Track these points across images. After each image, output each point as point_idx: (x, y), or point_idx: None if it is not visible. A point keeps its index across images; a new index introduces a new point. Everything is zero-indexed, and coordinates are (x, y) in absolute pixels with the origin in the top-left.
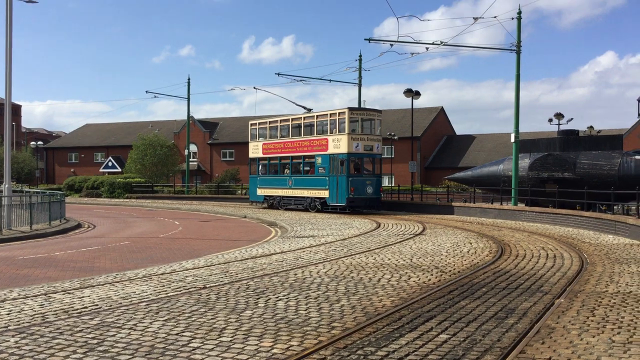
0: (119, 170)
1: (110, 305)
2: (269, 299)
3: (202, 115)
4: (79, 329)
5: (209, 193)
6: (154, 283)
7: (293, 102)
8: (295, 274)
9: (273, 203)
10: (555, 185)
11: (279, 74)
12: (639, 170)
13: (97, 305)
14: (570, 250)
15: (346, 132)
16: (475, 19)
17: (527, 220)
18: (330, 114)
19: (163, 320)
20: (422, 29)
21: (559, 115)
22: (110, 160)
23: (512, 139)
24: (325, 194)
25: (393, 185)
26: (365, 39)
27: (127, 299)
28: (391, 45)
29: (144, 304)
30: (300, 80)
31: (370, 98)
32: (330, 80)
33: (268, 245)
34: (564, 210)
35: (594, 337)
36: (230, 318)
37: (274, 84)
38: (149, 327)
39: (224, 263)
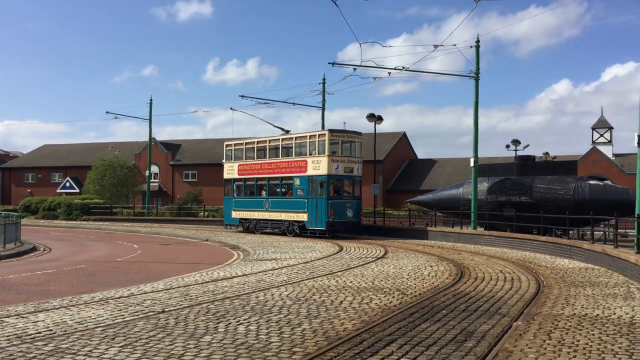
0: (77, 190)
1: (65, 331)
2: (230, 323)
3: (164, 136)
4: (32, 355)
5: (170, 215)
6: (111, 307)
7: (270, 124)
8: (257, 297)
9: (249, 226)
10: (512, 209)
11: (242, 96)
12: (593, 195)
13: (51, 330)
14: (527, 273)
15: (326, 153)
16: (436, 46)
17: (486, 244)
18: (310, 136)
19: (119, 347)
20: (385, 54)
21: (516, 142)
22: (68, 181)
23: (472, 164)
24: (304, 217)
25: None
26: (329, 63)
27: (83, 324)
28: (354, 69)
29: (100, 329)
30: (265, 103)
31: (334, 122)
32: (294, 104)
33: (230, 268)
34: (521, 234)
35: None
36: (189, 344)
37: (238, 106)
38: (104, 354)
39: (184, 286)
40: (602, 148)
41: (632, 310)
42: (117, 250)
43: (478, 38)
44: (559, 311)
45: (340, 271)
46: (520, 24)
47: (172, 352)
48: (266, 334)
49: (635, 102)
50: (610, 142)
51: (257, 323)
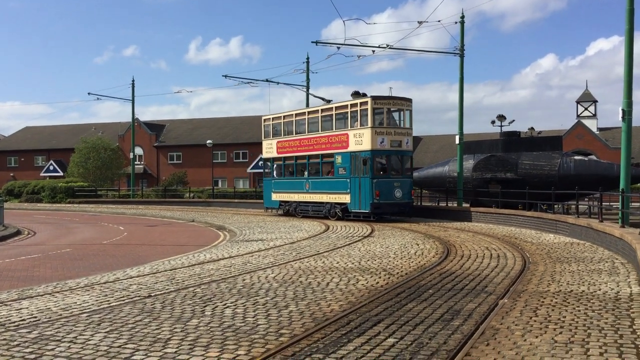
0: (61, 174)
1: (50, 317)
2: (216, 307)
3: (148, 117)
4: (15, 343)
5: (156, 197)
6: (96, 293)
7: (312, 94)
8: (244, 280)
9: (289, 209)
10: (498, 186)
11: (226, 76)
12: (578, 170)
13: (35, 317)
14: (513, 249)
15: (369, 125)
16: (420, 22)
17: (472, 221)
18: (351, 105)
19: (105, 332)
20: (369, 31)
21: (501, 117)
22: (51, 164)
23: (457, 141)
24: (346, 198)
25: None
26: (312, 42)
27: (68, 310)
28: (338, 48)
29: (85, 315)
30: (248, 83)
31: (319, 100)
32: (278, 83)
33: (216, 250)
34: (507, 210)
35: (537, 337)
36: (175, 328)
37: (221, 86)
38: (90, 340)
39: (170, 270)
40: (586, 122)
41: (617, 286)
42: (103, 233)
43: (463, 14)
44: (544, 288)
45: (326, 251)
46: None
47: (159, 336)
48: (253, 317)
49: (619, 76)
50: (594, 115)
51: (244, 306)
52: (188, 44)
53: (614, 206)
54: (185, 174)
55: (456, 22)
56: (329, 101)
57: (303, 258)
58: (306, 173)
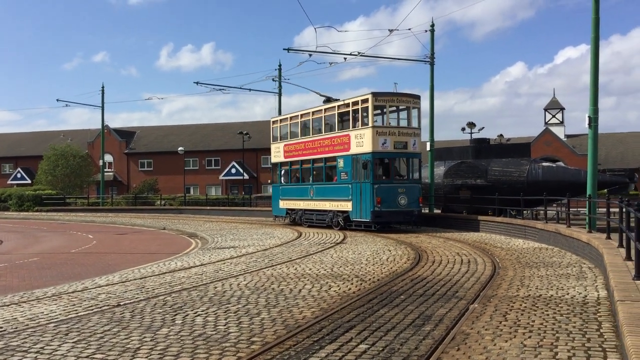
0: (29, 182)
1: (16, 328)
2: (187, 315)
3: (118, 124)
4: None
5: (126, 205)
6: (64, 302)
7: (317, 92)
8: (215, 287)
9: (295, 218)
10: (468, 192)
11: (197, 83)
12: (546, 176)
13: (1, 327)
14: (483, 255)
15: (370, 124)
16: (391, 30)
17: (443, 227)
18: (352, 103)
19: (73, 342)
20: (342, 38)
21: (471, 124)
22: (19, 172)
23: (428, 148)
24: (348, 206)
25: None
26: (284, 49)
27: (35, 320)
28: (310, 55)
29: (53, 325)
30: (220, 89)
31: (292, 107)
32: (250, 90)
33: (187, 258)
34: (477, 215)
35: (506, 341)
36: (145, 337)
37: (193, 93)
38: (57, 350)
39: (140, 278)
40: (554, 129)
41: (585, 290)
42: (72, 242)
43: (433, 23)
44: (514, 293)
45: (299, 258)
46: (476, 7)
47: (128, 346)
48: (224, 325)
49: (586, 84)
50: (562, 123)
51: (215, 314)
52: (159, 50)
53: (582, 212)
54: (156, 181)
55: (426, 31)
56: (334, 99)
57: (275, 265)
58: (311, 179)
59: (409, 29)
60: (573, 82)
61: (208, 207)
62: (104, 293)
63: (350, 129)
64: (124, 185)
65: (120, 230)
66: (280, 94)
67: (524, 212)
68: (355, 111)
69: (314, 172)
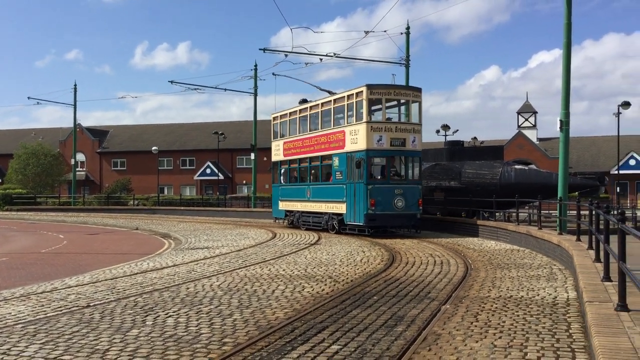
0: None
1: None
2: (158, 316)
3: (91, 122)
4: None
5: (98, 204)
6: (33, 303)
7: (317, 87)
8: (187, 288)
9: (293, 220)
10: (442, 194)
11: (172, 82)
12: (519, 179)
13: None
14: (456, 256)
15: (364, 119)
16: (367, 32)
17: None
18: (348, 96)
19: (40, 343)
20: (319, 39)
21: (446, 127)
22: None
23: None
24: (342, 208)
25: None
26: (260, 49)
27: (2, 321)
28: (286, 55)
29: (20, 325)
30: (195, 89)
31: (269, 107)
32: (225, 90)
33: (160, 259)
34: (451, 217)
35: (477, 342)
36: (114, 338)
37: (168, 92)
38: (24, 352)
39: (111, 279)
40: (527, 132)
41: (555, 291)
42: (42, 241)
43: (408, 25)
44: (485, 294)
45: (273, 259)
46: (452, 10)
47: (97, 347)
48: (196, 326)
49: (559, 88)
50: (534, 126)
51: (186, 315)
52: (134, 48)
53: (553, 214)
54: (129, 181)
55: (402, 33)
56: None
57: (249, 266)
58: (309, 178)
59: (385, 31)
60: (546, 86)
61: (182, 208)
62: (73, 294)
63: (345, 124)
64: (96, 184)
65: (92, 231)
66: (255, 94)
67: (497, 214)
68: (350, 105)
69: (312, 172)
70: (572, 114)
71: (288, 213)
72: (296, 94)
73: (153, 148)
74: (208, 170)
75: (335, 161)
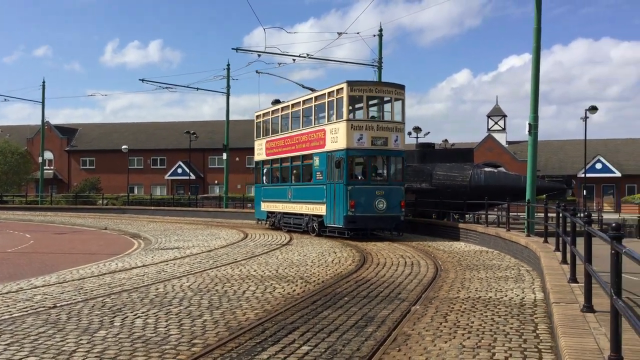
0: None
1: None
2: (126, 317)
3: (60, 120)
4: None
5: (66, 204)
6: None
7: (300, 84)
8: (157, 289)
9: (274, 222)
10: (413, 195)
11: (143, 80)
12: (488, 181)
13: None
14: (426, 257)
15: (344, 117)
16: (340, 34)
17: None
18: (328, 93)
19: (5, 345)
20: (292, 40)
21: (417, 129)
22: None
23: None
24: (322, 209)
25: None
26: (233, 49)
27: None
28: (259, 55)
29: None
30: (166, 88)
31: (241, 107)
32: (197, 89)
33: (129, 259)
34: (422, 219)
35: (446, 342)
36: (81, 339)
37: (139, 90)
38: None
39: (79, 279)
40: (496, 135)
41: (523, 292)
42: (7, 241)
43: (381, 27)
44: (455, 294)
45: (244, 259)
46: (426, 13)
47: (63, 348)
48: (165, 327)
49: (528, 92)
50: (504, 129)
51: (155, 316)
52: (104, 45)
53: (521, 216)
54: (98, 180)
55: (374, 35)
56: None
57: (220, 266)
58: (291, 179)
59: (358, 33)
60: (516, 90)
61: (152, 207)
62: (40, 294)
63: (326, 122)
64: (64, 183)
65: (59, 230)
66: (228, 94)
67: (467, 215)
68: (331, 103)
69: (293, 172)
70: (540, 117)
71: (270, 214)
72: (270, 94)
73: (123, 147)
74: (179, 170)
75: (316, 161)
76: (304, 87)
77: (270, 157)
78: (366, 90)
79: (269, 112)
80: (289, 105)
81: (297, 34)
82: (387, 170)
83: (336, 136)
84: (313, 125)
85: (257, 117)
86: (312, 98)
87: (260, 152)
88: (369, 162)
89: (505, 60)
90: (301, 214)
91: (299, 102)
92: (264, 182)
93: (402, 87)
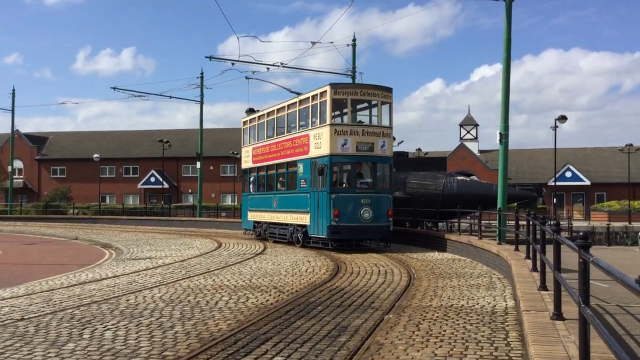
0: None
1: None
2: (96, 329)
3: (30, 128)
4: None
5: (36, 213)
6: None
7: (288, 90)
8: (128, 300)
9: (261, 232)
10: None
11: (115, 88)
12: (460, 190)
13: None
14: (400, 266)
15: (327, 122)
16: (313, 43)
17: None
18: (312, 97)
19: None
20: (267, 49)
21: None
22: None
23: None
24: (306, 219)
25: (236, 204)
26: (206, 57)
27: None
28: (232, 64)
29: None
30: (139, 96)
31: (215, 116)
32: (170, 97)
33: (99, 270)
34: (395, 227)
35: (418, 351)
36: (49, 352)
37: (111, 99)
38: None
39: (48, 290)
40: (468, 144)
41: (494, 300)
42: None
43: (354, 37)
44: (427, 303)
45: (217, 269)
46: (399, 23)
47: None
48: (135, 339)
49: (499, 101)
50: (476, 138)
51: (126, 328)
52: (76, 53)
53: (493, 224)
54: (69, 189)
55: (348, 45)
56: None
57: (193, 276)
58: (276, 186)
59: (331, 42)
60: (487, 99)
61: (125, 217)
62: (7, 306)
63: (310, 127)
64: (34, 193)
65: (29, 240)
66: (202, 102)
67: (440, 224)
68: (315, 107)
69: (279, 179)
70: (511, 126)
71: (256, 224)
72: (244, 102)
73: (94, 155)
74: (152, 179)
75: (300, 168)
76: (291, 91)
77: (256, 165)
78: (351, 93)
79: (255, 117)
80: (274, 110)
81: (271, 42)
82: (374, 177)
83: (320, 142)
84: (297, 131)
85: (244, 123)
86: (296, 102)
87: (247, 159)
88: (353, 169)
89: (477, 70)
90: (286, 224)
91: (284, 107)
92: (251, 190)
93: (389, 89)
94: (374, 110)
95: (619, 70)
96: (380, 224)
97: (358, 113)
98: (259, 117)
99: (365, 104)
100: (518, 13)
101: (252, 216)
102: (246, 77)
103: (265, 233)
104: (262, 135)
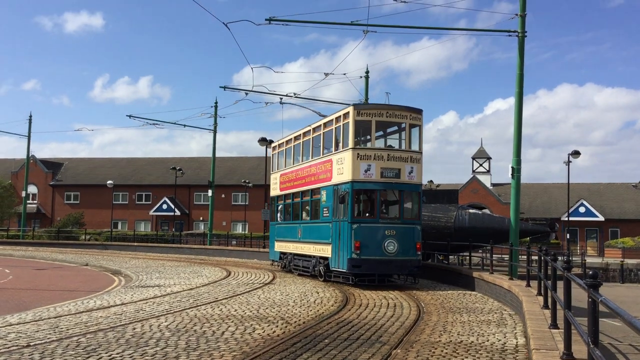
0: None
1: None
2: (101, 358)
3: (46, 154)
4: None
5: (48, 238)
6: None
7: (314, 111)
8: (134, 329)
9: (286, 264)
10: None
11: (130, 116)
12: (472, 223)
13: None
14: (409, 299)
15: (349, 146)
16: (327, 74)
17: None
18: (335, 119)
19: None
20: (282, 79)
21: None
22: None
23: None
24: (328, 251)
25: (246, 232)
26: (220, 87)
27: None
28: (246, 94)
29: None
30: (154, 124)
31: (228, 144)
32: (185, 125)
33: (108, 297)
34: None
35: None
36: None
37: (127, 126)
38: None
39: (55, 317)
40: (481, 177)
41: (504, 337)
42: None
43: (367, 69)
44: (436, 338)
45: (225, 299)
46: (413, 56)
47: None
48: None
49: (512, 135)
50: (488, 171)
51: (130, 357)
52: (94, 80)
53: (505, 258)
54: (82, 215)
55: (361, 77)
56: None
57: (200, 305)
58: (301, 215)
59: (344, 74)
60: (500, 132)
61: (135, 243)
62: (14, 332)
63: (333, 152)
64: (47, 218)
65: (40, 266)
66: (215, 131)
67: (450, 257)
68: (338, 129)
69: (304, 208)
70: (525, 160)
71: (282, 255)
72: (257, 131)
73: (108, 182)
74: (164, 206)
75: (323, 195)
76: (320, 115)
77: (283, 192)
78: (376, 114)
79: (284, 142)
80: (300, 135)
81: (285, 73)
82: (400, 206)
83: (342, 167)
84: (321, 156)
85: (273, 148)
86: (320, 125)
87: (275, 186)
88: (378, 197)
89: (490, 103)
90: (310, 256)
91: (309, 131)
92: (278, 219)
93: (419, 111)
94: (402, 134)
95: (634, 106)
96: (406, 258)
97: (387, 137)
98: (286, 142)
99: (395, 127)
100: (532, 47)
101: (279, 247)
102: (280, 102)
103: (290, 265)
104: (289, 161)
